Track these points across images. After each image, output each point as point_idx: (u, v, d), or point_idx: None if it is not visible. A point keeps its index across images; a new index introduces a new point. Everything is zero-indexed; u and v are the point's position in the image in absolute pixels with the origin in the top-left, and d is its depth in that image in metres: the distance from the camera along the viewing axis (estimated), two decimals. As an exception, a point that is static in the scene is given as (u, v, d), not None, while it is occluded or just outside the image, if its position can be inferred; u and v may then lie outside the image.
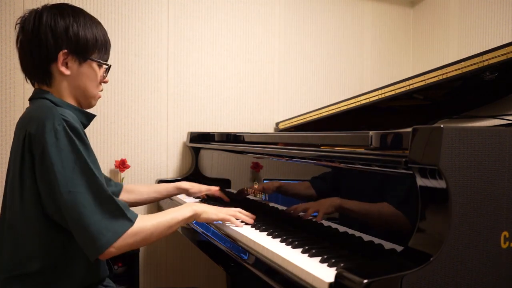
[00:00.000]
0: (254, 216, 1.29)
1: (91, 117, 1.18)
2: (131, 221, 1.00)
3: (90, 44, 1.13)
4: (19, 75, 1.93)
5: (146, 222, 1.04)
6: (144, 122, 2.13)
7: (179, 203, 1.71)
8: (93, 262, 1.02)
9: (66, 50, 1.09)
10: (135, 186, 1.59)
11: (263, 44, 2.40)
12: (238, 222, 1.25)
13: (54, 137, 0.96)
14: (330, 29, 2.57)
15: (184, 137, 2.22)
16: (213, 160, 1.95)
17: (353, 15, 2.63)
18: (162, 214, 1.13)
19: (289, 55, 2.46)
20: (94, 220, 0.95)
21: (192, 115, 2.24)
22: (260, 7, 2.38)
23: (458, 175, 0.74)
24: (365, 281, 0.66)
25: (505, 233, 0.79)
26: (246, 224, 1.27)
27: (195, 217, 1.21)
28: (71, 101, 1.14)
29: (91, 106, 1.19)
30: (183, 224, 1.17)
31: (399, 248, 0.85)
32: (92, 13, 1.18)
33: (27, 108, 1.13)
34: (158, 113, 2.16)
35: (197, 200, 1.71)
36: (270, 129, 2.41)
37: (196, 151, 2.13)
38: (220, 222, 1.29)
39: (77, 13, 1.13)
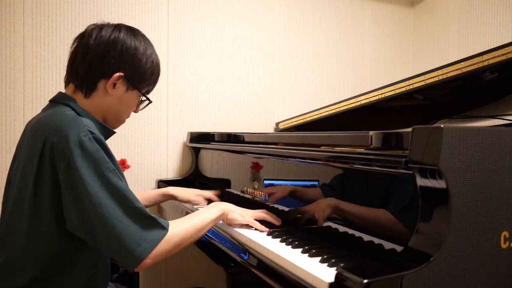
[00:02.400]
0: (280, 220, 1.25)
1: (110, 134, 1.16)
2: (165, 228, 0.98)
3: (146, 76, 1.13)
4: (19, 75, 1.94)
5: (176, 228, 1.01)
6: (144, 122, 2.13)
7: (180, 204, 1.71)
8: (130, 272, 1.00)
9: (122, 74, 1.08)
10: None
11: (263, 44, 2.40)
12: (263, 227, 1.19)
13: (80, 148, 0.93)
14: (330, 29, 2.57)
15: (184, 137, 2.22)
16: (213, 160, 1.95)
17: (353, 15, 2.63)
18: (191, 217, 1.09)
19: (289, 55, 2.47)
20: (129, 231, 0.93)
21: (192, 115, 2.24)
22: (260, 7, 2.38)
23: (458, 175, 0.74)
24: (365, 281, 0.66)
25: (505, 233, 0.79)
26: (273, 227, 1.21)
27: (222, 216, 1.18)
28: (97, 116, 1.11)
29: (113, 128, 1.18)
30: (212, 225, 1.14)
31: (399, 248, 0.85)
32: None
33: (45, 110, 1.10)
34: (158, 113, 2.16)
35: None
36: (270, 129, 2.41)
37: (196, 151, 2.13)
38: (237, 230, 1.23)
39: (146, 41, 1.14)
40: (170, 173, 2.20)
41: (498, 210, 0.78)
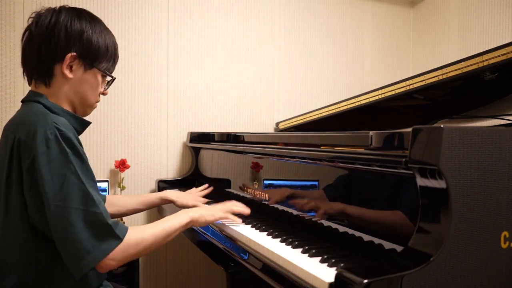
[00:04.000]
0: (249, 209, 1.32)
1: (85, 124, 1.15)
2: (119, 238, 0.96)
3: (100, 52, 1.11)
4: (19, 75, 1.93)
5: (144, 232, 1.03)
6: (144, 122, 2.13)
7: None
8: (77, 280, 0.97)
9: (75, 53, 1.06)
10: (116, 198, 1.54)
11: (263, 44, 2.40)
12: (236, 218, 1.28)
13: (45, 146, 0.92)
14: (330, 29, 2.57)
15: (184, 137, 2.22)
16: (213, 160, 1.95)
17: (353, 15, 2.63)
18: (160, 223, 1.12)
19: (289, 55, 2.46)
20: (81, 238, 0.91)
21: (192, 115, 2.24)
22: (260, 7, 2.38)
23: (458, 175, 0.74)
24: (365, 281, 0.66)
25: (505, 233, 0.79)
26: (244, 220, 1.28)
27: (193, 223, 1.19)
28: (66, 106, 1.10)
29: (85, 115, 1.16)
30: (181, 230, 1.16)
31: (399, 248, 0.85)
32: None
33: (18, 111, 1.09)
34: (158, 113, 2.16)
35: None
36: (270, 129, 2.41)
37: (196, 151, 2.13)
38: (220, 222, 1.29)
39: (94, 20, 1.12)
40: (170, 173, 2.20)
41: (498, 210, 0.78)
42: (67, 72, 1.06)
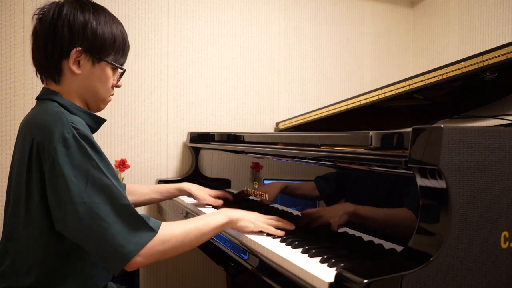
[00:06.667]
0: (293, 225, 1.17)
1: (101, 121, 1.13)
2: (153, 230, 0.93)
3: (107, 44, 1.07)
4: (19, 75, 1.93)
5: (174, 229, 0.97)
6: (144, 122, 2.13)
7: (180, 204, 1.71)
8: (116, 275, 0.95)
9: (80, 48, 1.02)
10: (136, 187, 1.56)
11: (263, 44, 2.40)
12: (278, 231, 1.12)
13: (64, 146, 0.90)
14: (330, 29, 2.57)
15: (184, 137, 2.22)
16: (213, 160, 1.95)
17: (353, 15, 2.63)
18: (193, 220, 1.05)
19: (289, 55, 2.47)
20: (113, 231, 0.88)
21: (192, 115, 2.24)
22: (261, 7, 2.38)
23: (458, 175, 0.74)
24: (365, 281, 0.66)
25: (505, 233, 0.79)
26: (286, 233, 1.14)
27: (230, 224, 1.11)
28: (79, 102, 1.08)
29: (99, 110, 1.14)
30: (217, 231, 1.09)
31: (399, 248, 0.85)
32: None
33: (33, 109, 1.08)
34: (158, 113, 2.16)
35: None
36: (270, 129, 2.41)
37: (196, 151, 2.13)
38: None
39: (98, 10, 1.08)
40: (170, 173, 2.20)
41: (498, 210, 0.78)
42: (74, 68, 1.03)
